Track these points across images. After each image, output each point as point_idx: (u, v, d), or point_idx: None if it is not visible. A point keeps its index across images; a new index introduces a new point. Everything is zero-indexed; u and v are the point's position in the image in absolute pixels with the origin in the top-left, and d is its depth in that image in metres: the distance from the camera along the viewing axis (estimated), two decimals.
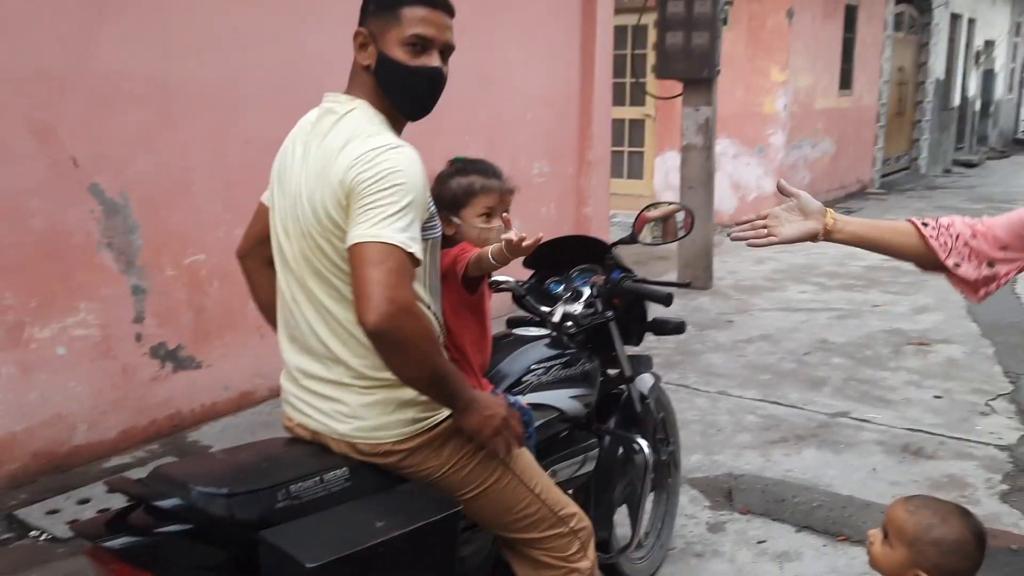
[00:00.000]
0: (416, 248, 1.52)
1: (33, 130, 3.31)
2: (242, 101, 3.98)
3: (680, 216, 2.55)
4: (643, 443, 2.46)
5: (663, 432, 2.79)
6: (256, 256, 1.91)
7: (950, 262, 1.66)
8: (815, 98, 10.24)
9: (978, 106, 18.54)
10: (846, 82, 11.18)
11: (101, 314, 3.59)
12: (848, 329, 5.60)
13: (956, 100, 16.35)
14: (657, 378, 2.77)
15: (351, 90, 1.69)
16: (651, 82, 8.60)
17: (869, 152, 12.51)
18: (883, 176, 13.00)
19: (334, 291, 1.63)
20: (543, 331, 2.34)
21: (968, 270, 1.66)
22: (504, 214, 1.90)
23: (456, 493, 1.73)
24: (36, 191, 3.33)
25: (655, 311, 2.62)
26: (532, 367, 2.18)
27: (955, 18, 15.26)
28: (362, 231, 1.50)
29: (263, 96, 4.03)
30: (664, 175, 9.86)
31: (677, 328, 2.58)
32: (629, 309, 2.53)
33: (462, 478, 1.73)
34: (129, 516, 1.42)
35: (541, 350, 2.24)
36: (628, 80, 9.60)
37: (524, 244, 1.71)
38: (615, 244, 2.47)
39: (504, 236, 1.72)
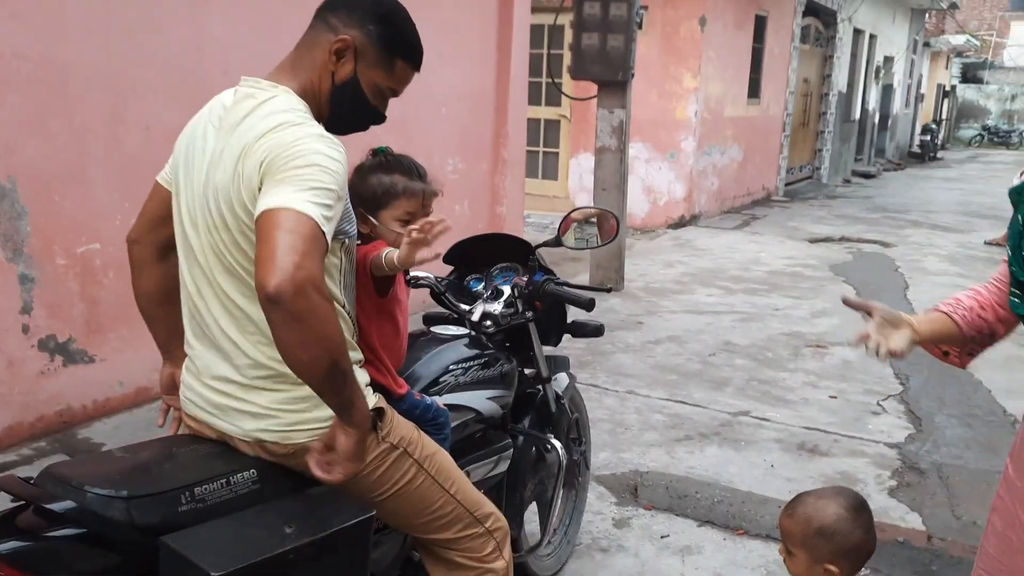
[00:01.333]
0: (328, 230, 1.40)
1: None
2: (142, 85, 3.83)
3: (606, 222, 2.58)
4: (557, 443, 2.48)
5: (576, 432, 2.83)
6: (148, 242, 1.79)
7: (970, 335, 1.73)
8: (725, 106, 10.54)
9: (877, 119, 19.43)
10: (754, 91, 11.55)
11: None
12: (751, 332, 5.79)
13: (857, 113, 17.09)
14: (572, 379, 2.81)
15: (280, 77, 1.60)
16: (567, 83, 8.69)
17: (775, 160, 12.96)
18: (787, 184, 13.49)
19: (247, 289, 1.54)
20: (461, 330, 2.33)
21: (977, 342, 1.75)
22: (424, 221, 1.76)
23: (369, 495, 1.70)
24: None
25: (575, 313, 2.64)
26: (450, 367, 2.16)
27: (858, 33, 15.95)
28: (275, 200, 1.38)
29: (165, 81, 3.89)
30: (579, 177, 9.98)
31: (596, 331, 2.61)
32: (549, 311, 2.55)
33: (375, 479, 1.70)
34: (17, 518, 1.35)
35: (460, 350, 2.23)
36: (544, 80, 9.67)
37: (418, 255, 1.66)
38: (539, 246, 2.48)
39: (408, 238, 1.66)
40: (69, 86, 3.57)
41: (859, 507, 1.69)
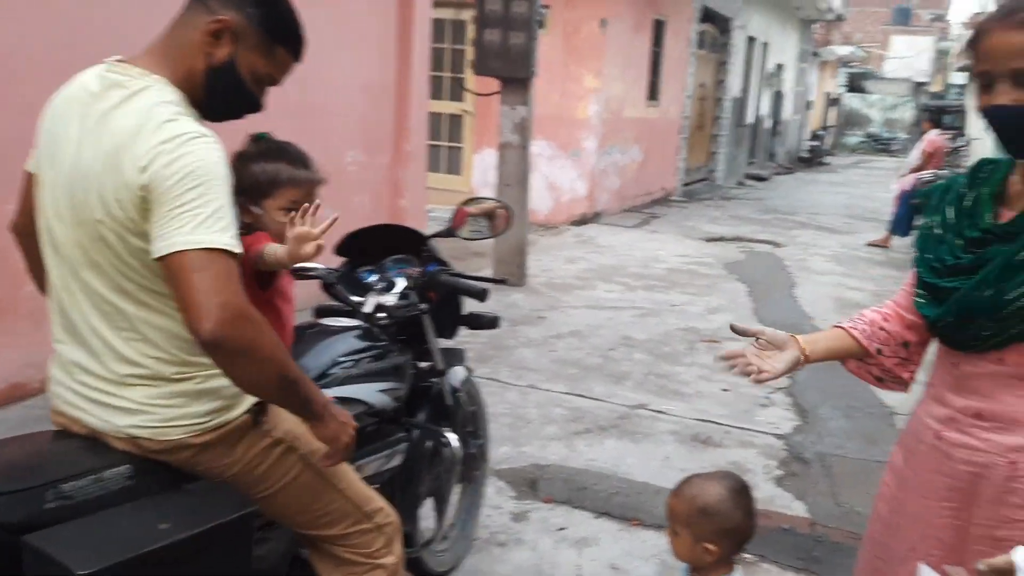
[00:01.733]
0: (239, 248, 1.42)
1: None
2: (22, 66, 3.61)
3: (499, 213, 2.56)
4: (452, 437, 2.45)
5: (473, 425, 2.81)
6: (35, 232, 1.68)
7: (873, 348, 1.71)
8: (625, 107, 10.74)
9: (769, 124, 20.20)
10: (653, 93, 11.81)
11: None
12: (649, 327, 5.91)
13: (750, 118, 17.72)
14: (469, 372, 2.79)
15: (151, 62, 1.51)
16: (470, 78, 8.66)
17: (673, 162, 13.29)
18: (685, 185, 13.85)
19: (118, 287, 1.48)
20: (353, 322, 2.28)
21: (888, 354, 1.72)
22: (307, 206, 1.76)
23: (254, 490, 1.64)
24: None
25: (471, 305, 2.63)
26: (339, 359, 2.11)
27: (751, 41, 16.53)
28: (178, 238, 1.36)
29: (48, 62, 3.67)
30: (483, 172, 9.97)
31: (491, 323, 2.60)
32: (444, 302, 2.52)
33: (259, 475, 1.65)
34: None
35: (349, 342, 2.18)
36: (447, 75, 9.63)
37: (306, 250, 1.68)
38: (432, 236, 2.45)
39: (293, 232, 1.64)
40: None
41: (741, 490, 1.75)
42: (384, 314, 2.32)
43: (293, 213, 1.74)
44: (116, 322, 1.50)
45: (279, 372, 1.44)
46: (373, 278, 2.45)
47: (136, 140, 1.40)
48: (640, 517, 3.26)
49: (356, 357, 2.15)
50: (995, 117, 1.41)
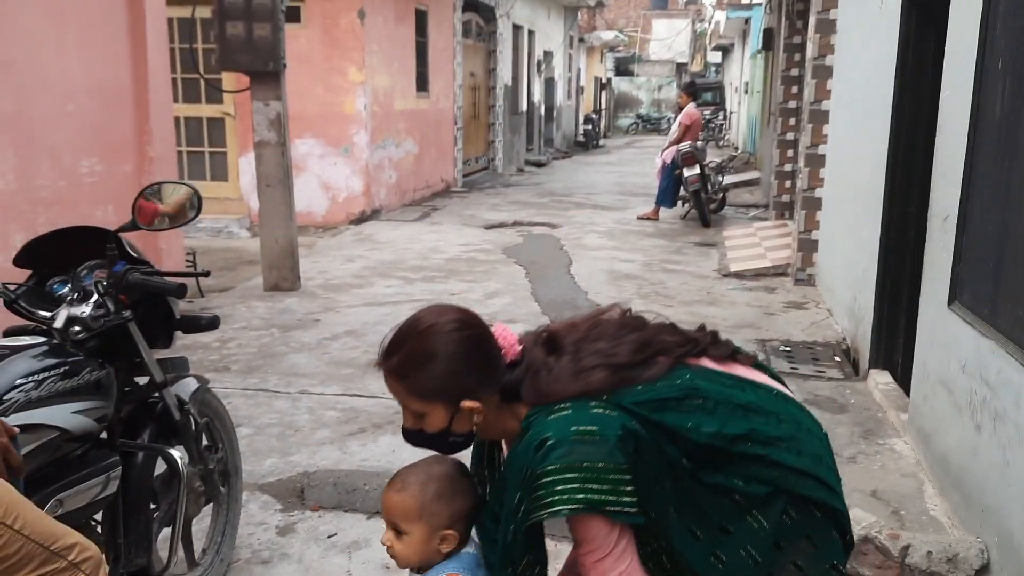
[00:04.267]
0: None
1: None
2: None
3: (179, 198, 2.34)
4: (175, 453, 2.23)
5: (210, 438, 2.58)
6: None
7: None
8: (394, 99, 10.60)
9: (543, 111, 20.82)
10: (423, 85, 11.75)
11: None
12: None
13: (524, 105, 18.16)
14: (201, 381, 2.55)
15: None
16: (227, 79, 8.20)
17: (450, 152, 13.33)
18: (465, 175, 13.95)
19: None
20: (35, 339, 1.99)
21: None
22: None
23: None
24: None
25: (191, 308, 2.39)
26: (18, 383, 1.84)
27: (517, 29, 16.92)
28: None
29: None
30: (251, 175, 9.41)
31: (211, 324, 2.39)
32: (152, 307, 2.27)
33: None
34: None
35: (28, 362, 1.90)
36: (202, 76, 9.05)
37: None
38: (117, 231, 2.19)
39: None
40: None
41: (461, 467, 1.67)
42: (79, 327, 2.05)
43: None
44: None
45: None
46: (65, 289, 2.16)
47: None
48: None
49: (39, 378, 1.88)
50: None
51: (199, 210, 2.31)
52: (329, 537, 2.96)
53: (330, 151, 9.66)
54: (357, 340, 5.28)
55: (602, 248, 8.60)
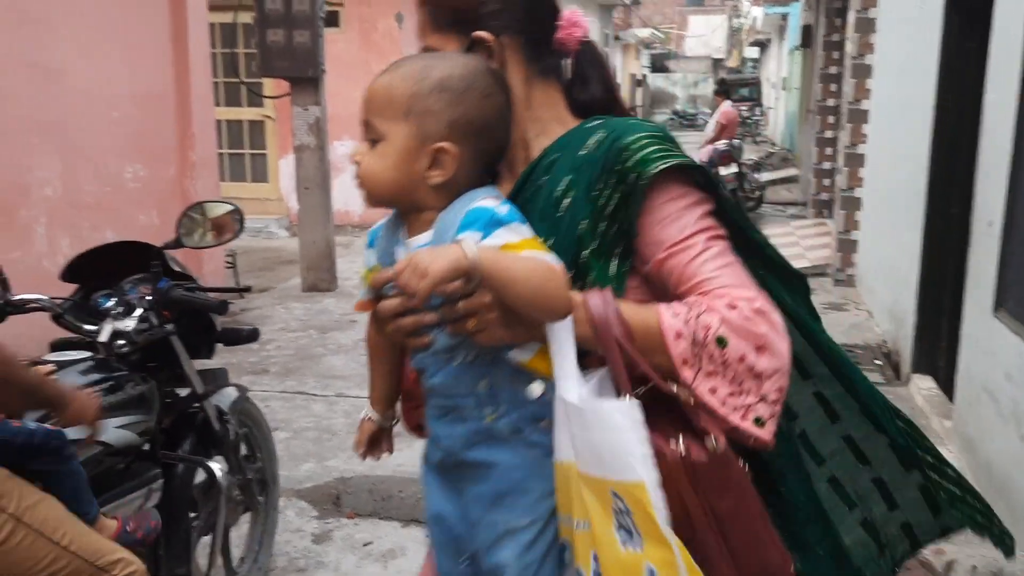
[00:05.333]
0: None
1: None
2: None
3: (225, 219, 2.37)
4: (215, 465, 2.27)
5: (249, 448, 2.62)
6: None
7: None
8: None
9: None
10: None
11: None
12: None
13: None
14: (241, 390, 2.60)
15: None
16: (267, 83, 8.31)
17: None
18: None
19: None
20: (81, 355, 2.05)
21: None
22: None
23: None
24: None
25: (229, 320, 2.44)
26: None
27: None
28: None
29: None
30: (290, 177, 9.55)
31: (250, 336, 2.42)
32: (194, 320, 2.32)
33: None
34: None
35: (74, 378, 1.95)
36: (243, 80, 9.19)
37: None
38: (162, 248, 2.24)
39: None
40: None
41: (501, 80, 1.12)
42: (123, 341, 2.10)
43: None
44: None
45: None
46: (110, 303, 2.21)
47: None
48: None
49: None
50: None
51: (242, 228, 2.33)
52: (364, 545, 2.99)
53: None
54: None
55: None
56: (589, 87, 1.20)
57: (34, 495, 1.60)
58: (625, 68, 29.38)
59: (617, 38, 26.02)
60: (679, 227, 1.08)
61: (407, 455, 3.65)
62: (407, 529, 3.10)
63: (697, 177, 1.10)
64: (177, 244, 2.24)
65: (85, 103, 5.08)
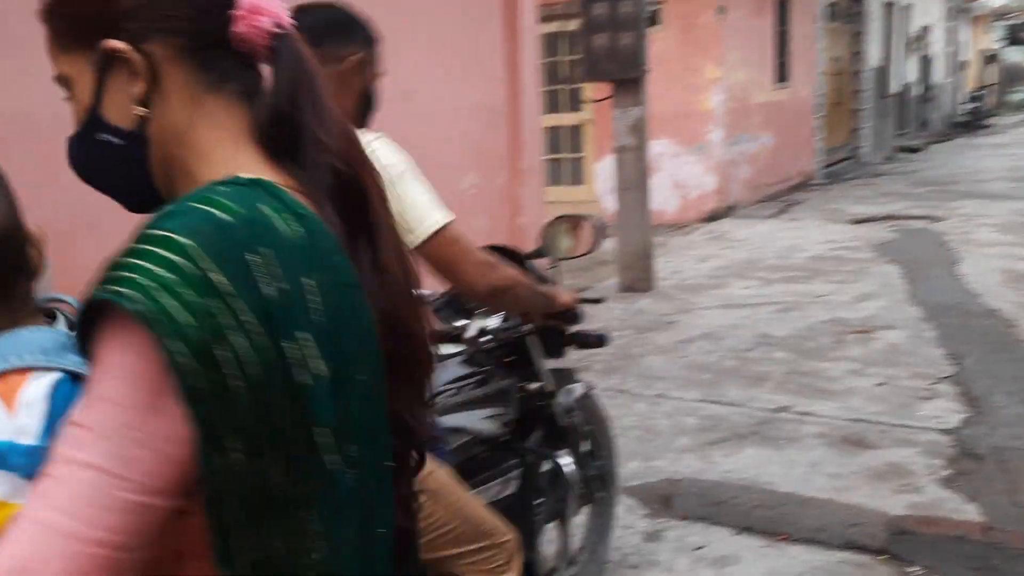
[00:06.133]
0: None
1: None
2: None
3: (583, 229, 2.43)
4: (565, 460, 2.37)
5: (592, 446, 2.69)
6: None
7: None
8: (751, 93, 10.29)
9: (918, 91, 18.86)
10: (782, 75, 11.26)
11: None
12: (790, 322, 5.57)
13: (895, 87, 16.59)
14: (587, 388, 2.67)
15: None
16: (589, 87, 8.57)
17: (810, 144, 12.62)
18: (826, 166, 13.12)
19: None
20: (455, 348, 2.24)
21: None
22: None
23: None
24: None
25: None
26: (442, 388, 2.08)
27: (889, 6, 15.50)
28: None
29: None
30: (605, 179, 9.81)
31: (599, 341, 2.46)
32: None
33: None
34: None
35: (452, 370, 2.14)
36: (562, 87, 9.57)
37: None
38: (528, 256, 2.37)
39: None
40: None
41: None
42: (487, 337, 2.27)
43: None
44: None
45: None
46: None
47: None
48: (786, 531, 3.02)
49: (458, 385, 2.11)
50: None
51: (604, 238, 2.40)
52: (696, 549, 2.95)
53: (683, 150, 9.66)
54: (714, 344, 5.21)
55: (997, 244, 7.55)
56: (275, 102, 0.83)
57: (430, 463, 1.77)
58: (974, 43, 26.16)
59: (965, 10, 23.25)
60: None
61: (737, 461, 3.58)
62: (740, 537, 3.01)
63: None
64: (540, 254, 2.36)
65: (433, 120, 5.59)
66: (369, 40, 1.75)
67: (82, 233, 3.63)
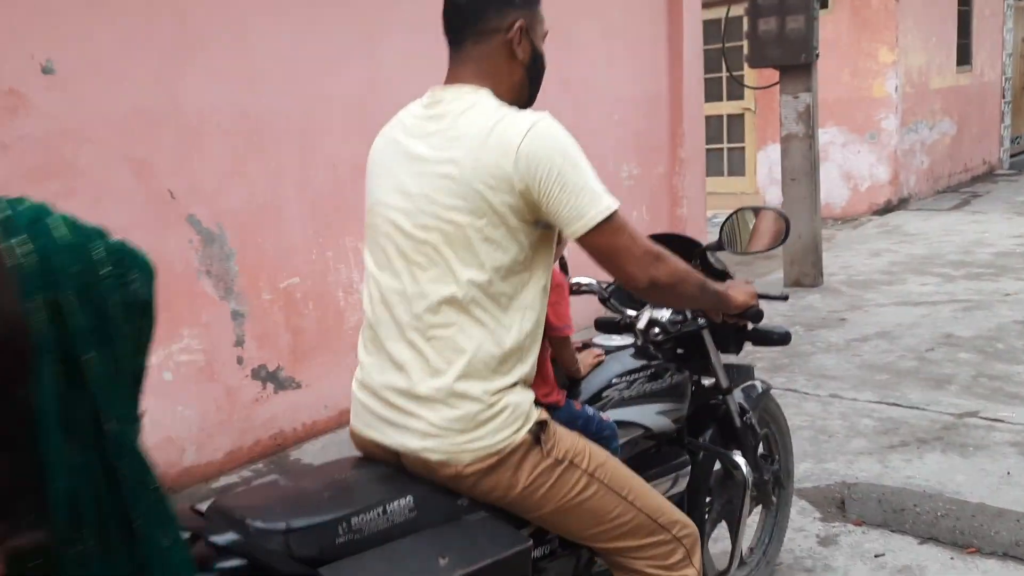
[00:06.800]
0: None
1: (131, 166, 3.44)
2: (325, 126, 4.04)
3: (766, 223, 2.32)
4: (740, 461, 2.30)
5: (768, 448, 2.61)
6: None
7: None
8: (930, 77, 9.65)
9: None
10: (964, 58, 10.49)
11: (203, 339, 3.69)
12: (976, 321, 5.20)
13: None
14: (765, 387, 2.59)
15: (470, 80, 1.66)
16: (748, 75, 8.30)
17: (995, 131, 11.70)
18: (1012, 155, 12.13)
19: (448, 298, 1.58)
20: (626, 340, 2.22)
21: None
22: None
23: (538, 511, 1.66)
24: (137, 224, 3.43)
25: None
26: (613, 381, 2.05)
27: None
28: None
29: (344, 120, 4.08)
30: (767, 169, 9.49)
31: (782, 339, 2.32)
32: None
33: (542, 495, 1.65)
34: (192, 548, 1.41)
35: (623, 362, 2.11)
36: (723, 74, 9.30)
37: None
38: (706, 248, 2.30)
39: None
40: (260, 133, 3.83)
41: None
42: (658, 329, 2.23)
43: None
44: (433, 335, 1.58)
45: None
46: None
47: (499, 139, 1.55)
48: (976, 544, 2.83)
49: (630, 378, 2.08)
50: None
51: (787, 234, 2.26)
52: (876, 557, 2.81)
53: (854, 139, 9.18)
54: (891, 343, 4.93)
55: None
56: None
57: (602, 455, 1.76)
58: (1016, 32, 23.15)
59: None
60: None
61: (919, 467, 3.38)
62: (925, 547, 2.85)
63: None
64: (719, 247, 2.28)
65: (591, 108, 5.58)
66: (529, 1, 1.71)
67: (270, 217, 3.90)
